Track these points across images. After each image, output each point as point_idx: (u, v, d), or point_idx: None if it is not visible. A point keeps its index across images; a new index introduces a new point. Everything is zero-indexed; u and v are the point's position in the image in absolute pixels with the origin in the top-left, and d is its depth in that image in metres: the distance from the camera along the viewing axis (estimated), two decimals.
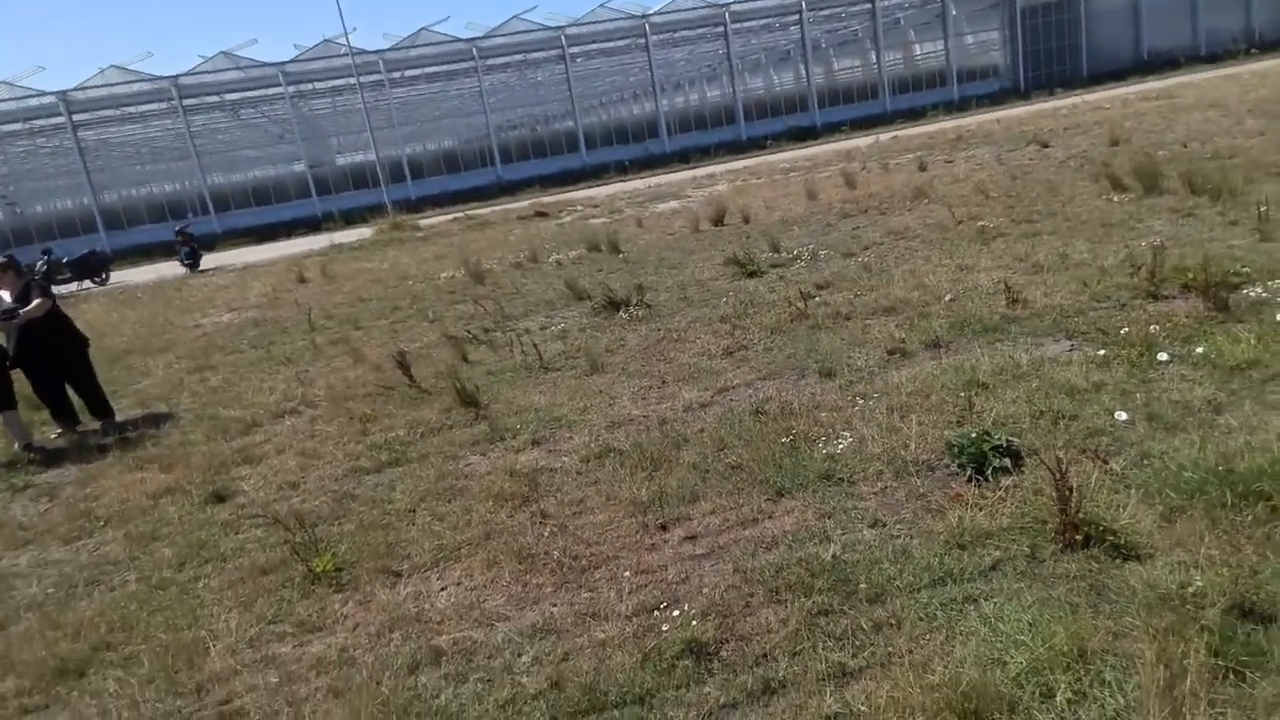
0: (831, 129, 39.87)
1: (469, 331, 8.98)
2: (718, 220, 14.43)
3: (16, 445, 7.35)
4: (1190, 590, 2.88)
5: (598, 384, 6.61)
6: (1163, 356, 4.96)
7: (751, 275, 9.56)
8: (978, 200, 11.82)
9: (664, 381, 6.40)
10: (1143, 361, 4.97)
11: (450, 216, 27.00)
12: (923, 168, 17.10)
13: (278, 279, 17.45)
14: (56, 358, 7.67)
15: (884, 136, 30.08)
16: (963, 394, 4.91)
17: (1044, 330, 5.96)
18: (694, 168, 32.30)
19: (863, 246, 10.17)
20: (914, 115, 39.67)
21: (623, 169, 35.42)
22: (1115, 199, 10.14)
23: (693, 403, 5.78)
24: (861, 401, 5.19)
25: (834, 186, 16.51)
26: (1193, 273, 6.16)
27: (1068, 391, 4.74)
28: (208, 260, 24.43)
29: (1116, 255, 7.48)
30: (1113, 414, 4.35)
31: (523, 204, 26.78)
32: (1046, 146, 17.14)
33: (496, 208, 28.38)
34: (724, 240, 12.52)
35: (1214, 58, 42.71)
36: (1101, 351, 5.25)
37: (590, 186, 31.67)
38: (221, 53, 35.75)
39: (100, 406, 7.89)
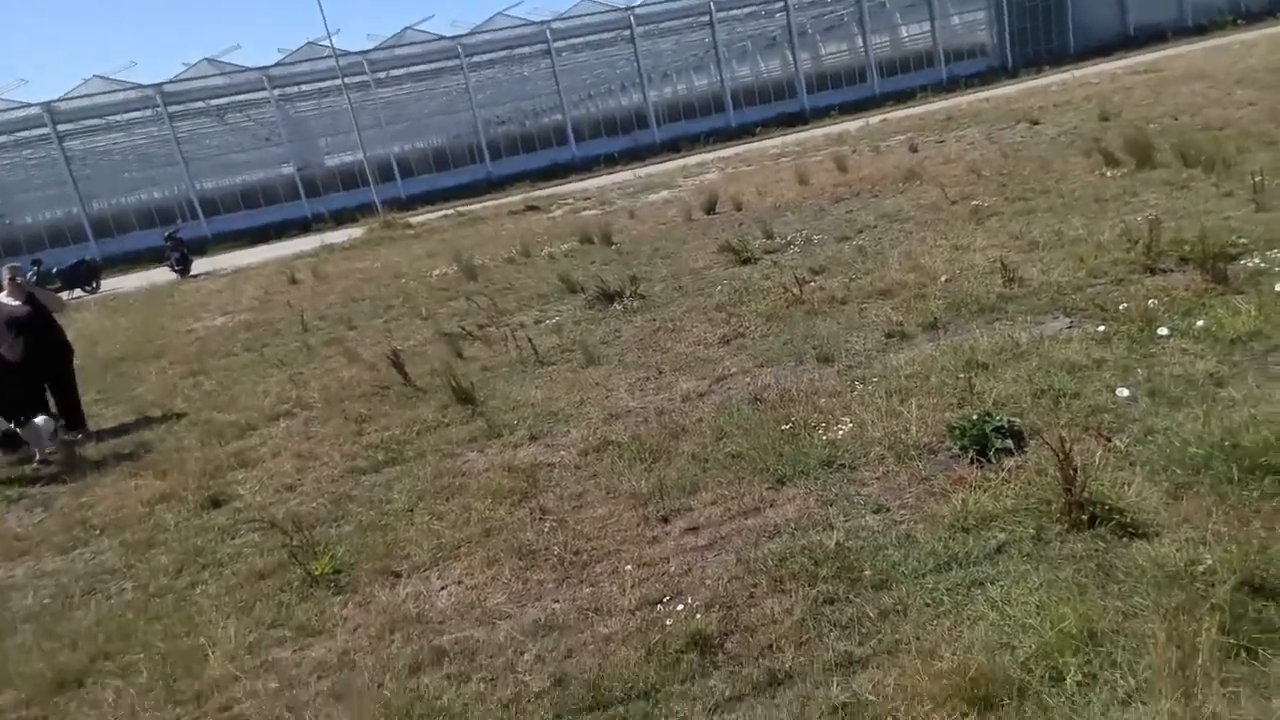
0: (820, 114, 39.69)
1: (463, 328, 8.92)
2: (710, 208, 14.35)
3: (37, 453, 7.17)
4: (1200, 568, 2.85)
5: (594, 376, 6.55)
6: (1163, 331, 4.92)
7: (745, 262, 9.50)
8: (970, 180, 11.76)
9: (660, 372, 6.35)
10: (1143, 336, 4.93)
11: (441, 213, 26.86)
12: (914, 149, 17.02)
13: (269, 281, 17.33)
14: (51, 360, 7.66)
15: (873, 119, 29.93)
16: (962, 375, 4.87)
17: (1042, 308, 5.92)
18: (684, 157, 32.15)
19: (856, 230, 10.12)
20: (903, 97, 39.50)
21: (613, 161, 35.25)
22: (1108, 174, 10.09)
23: (690, 392, 5.73)
24: (860, 386, 5.15)
25: (825, 171, 16.42)
26: (1190, 245, 6.12)
27: (1068, 369, 4.70)
28: (199, 265, 24.26)
29: (1112, 230, 7.43)
30: (1115, 391, 4.32)
31: (513, 199, 26.65)
32: (1037, 124, 17.05)
33: (487, 203, 28.22)
34: (717, 228, 12.45)
35: (1201, 29, 42.56)
36: (1101, 328, 5.21)
37: (581, 179, 31.49)
38: (205, 59, 35.39)
39: (77, 417, 7.84)
